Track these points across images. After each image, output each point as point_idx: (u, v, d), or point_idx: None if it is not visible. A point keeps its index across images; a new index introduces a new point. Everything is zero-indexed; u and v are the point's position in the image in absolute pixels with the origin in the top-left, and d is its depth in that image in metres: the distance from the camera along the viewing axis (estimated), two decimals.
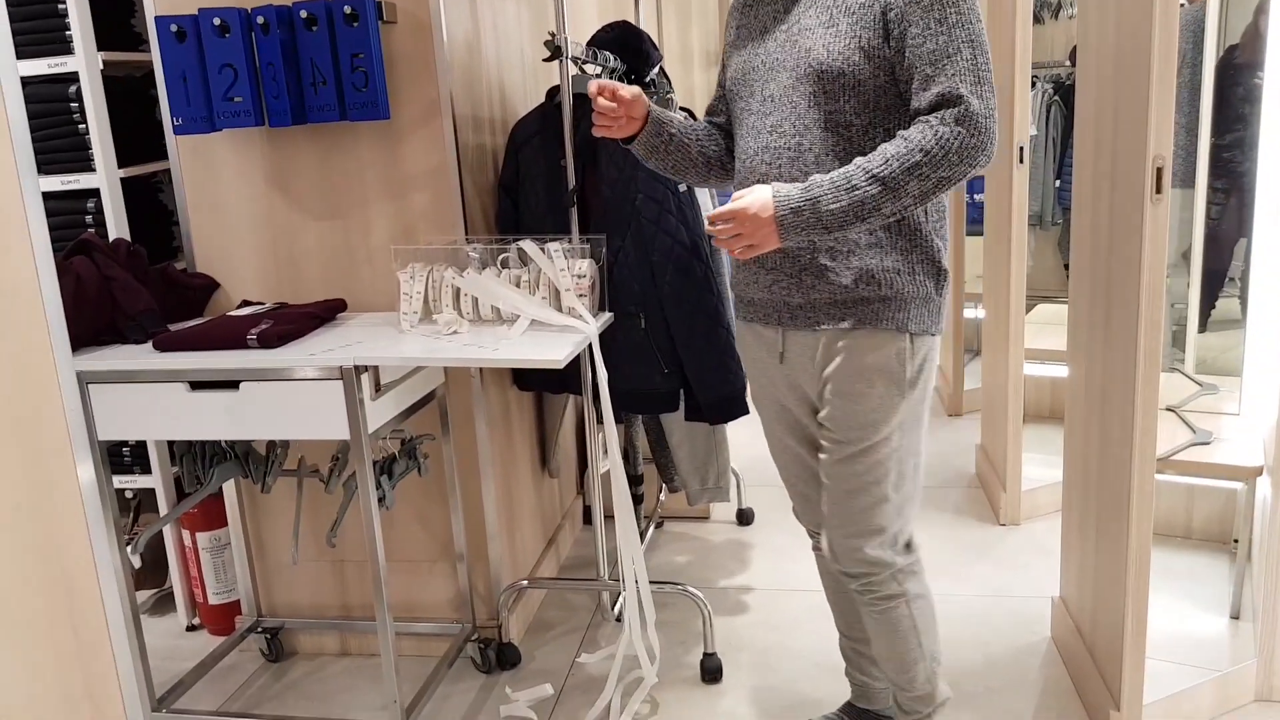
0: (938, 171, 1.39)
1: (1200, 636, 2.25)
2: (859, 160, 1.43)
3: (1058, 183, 5.56)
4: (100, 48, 2.39)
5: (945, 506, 3.12)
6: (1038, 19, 4.84)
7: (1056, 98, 5.49)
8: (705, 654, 2.25)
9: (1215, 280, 3.60)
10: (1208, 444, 2.40)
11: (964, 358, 4.05)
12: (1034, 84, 5.31)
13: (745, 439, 3.82)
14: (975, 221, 4.05)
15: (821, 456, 1.64)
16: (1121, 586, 1.82)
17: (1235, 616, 2.33)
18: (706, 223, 1.50)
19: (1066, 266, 5.11)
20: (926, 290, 1.56)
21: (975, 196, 4.73)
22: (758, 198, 1.45)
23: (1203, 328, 3.50)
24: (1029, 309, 4.90)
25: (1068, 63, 4.87)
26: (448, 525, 2.38)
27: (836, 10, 1.49)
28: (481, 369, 2.33)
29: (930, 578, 2.62)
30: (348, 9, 1.95)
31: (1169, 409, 2.69)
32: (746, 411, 2.39)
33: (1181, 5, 2.29)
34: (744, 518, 3.08)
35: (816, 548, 1.86)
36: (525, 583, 2.47)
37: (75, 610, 0.99)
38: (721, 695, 2.18)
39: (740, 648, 2.37)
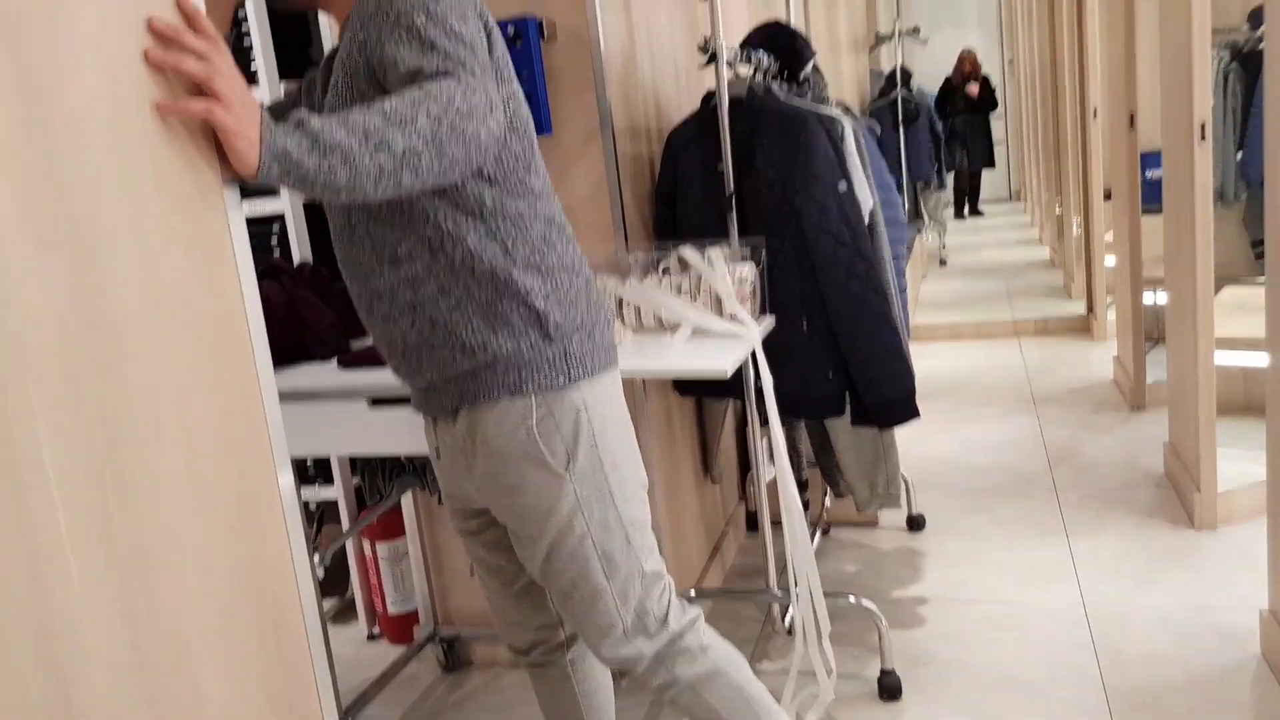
0: (447, 114, 1.14)
1: None
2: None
3: (1239, 155, 5.16)
4: (281, 76, 2.51)
5: (1134, 508, 2.93)
6: None
7: (1234, 64, 5.09)
8: (883, 670, 2.18)
9: None
10: None
11: (1144, 347, 3.80)
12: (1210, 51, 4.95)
13: (913, 441, 3.71)
14: (1150, 200, 3.80)
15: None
16: None
17: None
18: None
19: (1254, 245, 4.74)
20: (532, 341, 1.35)
21: (1149, 173, 4.45)
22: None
23: None
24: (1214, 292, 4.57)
25: (1245, 26, 4.51)
26: None
27: (338, 69, 1.34)
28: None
29: (1122, 585, 2.48)
30: (511, 30, 1.98)
31: None
32: (917, 415, 2.31)
33: None
34: (915, 524, 2.98)
35: (531, 664, 1.68)
36: (693, 593, 2.46)
37: (279, 620, 1.03)
38: (901, 713, 2.11)
39: (918, 662, 2.29)
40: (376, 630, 2.74)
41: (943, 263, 7.27)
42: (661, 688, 1.50)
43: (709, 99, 2.39)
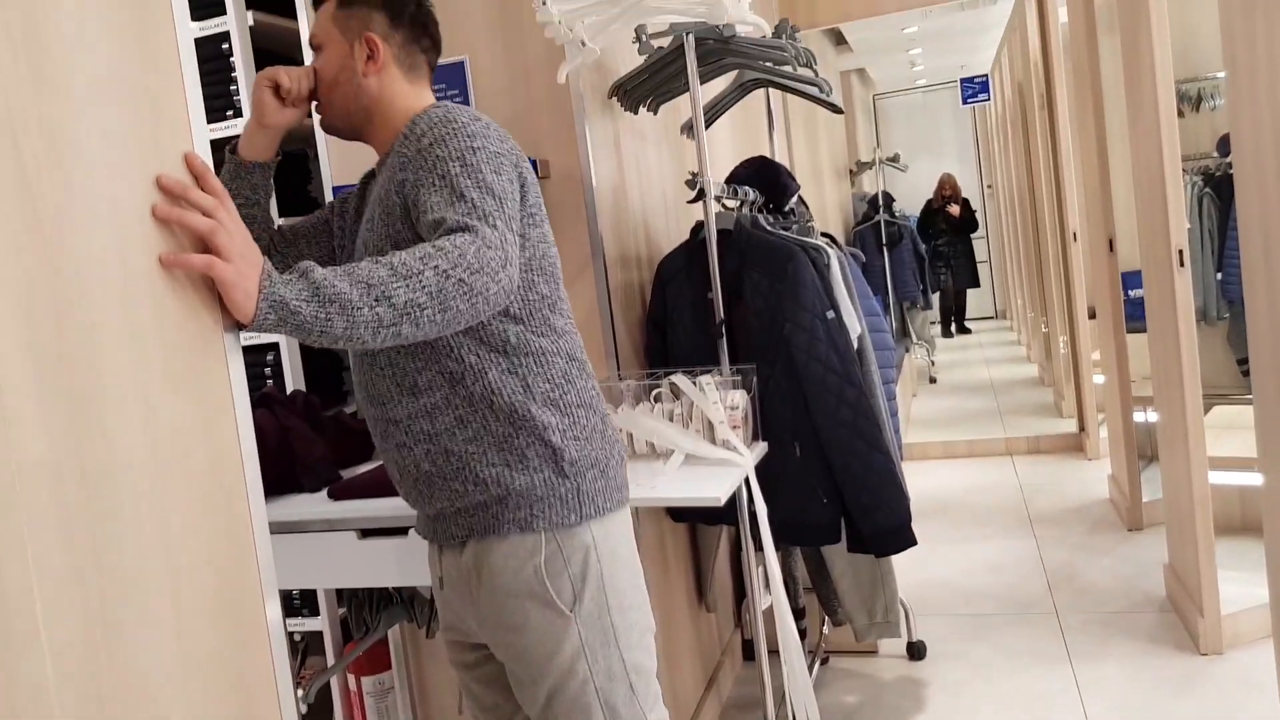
0: (456, 269, 1.16)
1: None
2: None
3: (1219, 275, 5.28)
4: (282, 214, 2.57)
5: (1137, 634, 2.88)
6: (1179, 113, 4.72)
7: (1208, 190, 5.27)
8: None
9: None
10: None
11: (1139, 466, 3.80)
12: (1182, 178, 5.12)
13: (911, 563, 3.66)
14: (1135, 317, 3.87)
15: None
16: None
17: None
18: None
19: (1240, 363, 4.79)
20: (545, 477, 1.36)
21: (1132, 292, 4.55)
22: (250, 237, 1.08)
23: None
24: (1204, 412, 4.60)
25: (1215, 153, 4.68)
26: None
27: (374, 203, 1.40)
28: None
29: (1130, 717, 2.43)
30: None
31: None
32: (914, 542, 2.29)
33: None
34: (915, 652, 2.91)
35: None
36: None
37: None
38: None
39: None
40: None
41: (932, 380, 7.33)
42: None
43: (698, 230, 2.45)
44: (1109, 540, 3.69)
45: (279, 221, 1.65)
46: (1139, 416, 3.91)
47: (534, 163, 2.10)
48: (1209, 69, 4.49)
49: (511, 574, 1.36)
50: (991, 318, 10.86)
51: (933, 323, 8.07)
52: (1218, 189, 4.68)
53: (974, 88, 7.82)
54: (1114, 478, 4.09)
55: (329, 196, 2.31)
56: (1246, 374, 4.44)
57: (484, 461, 1.35)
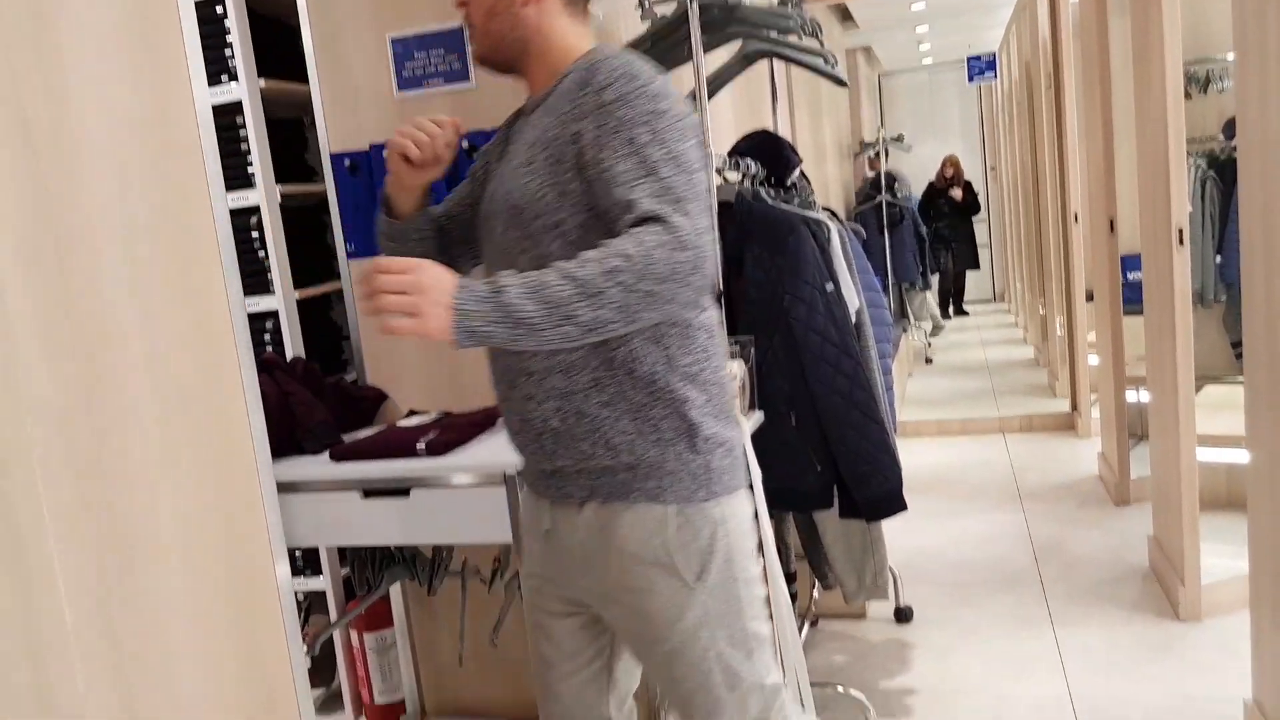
0: (642, 283, 1.16)
1: None
2: (557, 262, 1.22)
3: (1218, 258, 5.30)
4: (278, 180, 2.60)
5: (1120, 602, 2.95)
6: (1186, 94, 4.73)
7: (1211, 172, 5.28)
8: None
9: None
10: None
11: (1129, 443, 3.86)
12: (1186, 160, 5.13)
13: (901, 534, 3.72)
14: (1132, 301, 3.91)
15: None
16: None
17: None
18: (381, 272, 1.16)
19: (1234, 345, 4.82)
20: (678, 451, 1.34)
21: (1130, 275, 4.58)
22: (439, 272, 1.17)
23: None
24: (1195, 391, 4.64)
25: (1220, 136, 4.68)
26: None
27: (536, 146, 1.35)
28: None
29: (1109, 678, 2.49)
30: None
31: None
32: (905, 508, 2.34)
33: None
34: (902, 615, 2.98)
35: None
36: None
37: (272, 708, 1.05)
38: None
39: None
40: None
41: (929, 361, 7.37)
42: None
43: None
44: (1096, 514, 3.75)
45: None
46: (1131, 396, 3.96)
47: None
48: (1218, 50, 4.49)
49: (639, 542, 1.35)
50: (990, 300, 10.89)
51: (933, 303, 8.10)
52: (1221, 172, 4.69)
53: (980, 65, 7.81)
54: (1104, 455, 4.15)
55: (326, 163, 2.33)
56: (1240, 356, 4.48)
57: (616, 428, 1.34)
